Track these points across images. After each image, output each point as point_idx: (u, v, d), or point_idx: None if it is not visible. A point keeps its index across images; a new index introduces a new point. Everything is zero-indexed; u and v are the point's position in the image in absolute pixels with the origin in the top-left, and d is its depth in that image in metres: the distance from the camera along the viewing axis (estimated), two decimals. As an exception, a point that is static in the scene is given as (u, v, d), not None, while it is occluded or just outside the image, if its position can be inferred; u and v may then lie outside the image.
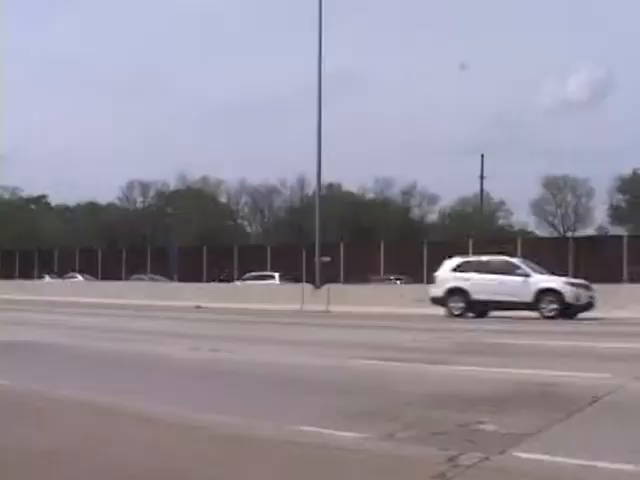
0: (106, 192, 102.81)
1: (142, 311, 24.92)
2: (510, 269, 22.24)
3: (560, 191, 74.92)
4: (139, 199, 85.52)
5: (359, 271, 38.12)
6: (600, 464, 4.00)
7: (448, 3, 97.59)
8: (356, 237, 63.99)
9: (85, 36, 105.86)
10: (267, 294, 29.88)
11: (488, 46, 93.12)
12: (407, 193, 78.86)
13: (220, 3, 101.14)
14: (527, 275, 21.78)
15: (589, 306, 21.10)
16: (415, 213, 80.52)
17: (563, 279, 22.22)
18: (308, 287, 28.72)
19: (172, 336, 13.99)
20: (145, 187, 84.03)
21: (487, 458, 4.12)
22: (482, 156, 56.66)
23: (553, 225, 75.08)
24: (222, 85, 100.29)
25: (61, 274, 46.77)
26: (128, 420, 5.33)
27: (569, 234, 66.96)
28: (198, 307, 27.61)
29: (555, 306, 20.83)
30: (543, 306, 20.99)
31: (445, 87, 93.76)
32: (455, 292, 22.54)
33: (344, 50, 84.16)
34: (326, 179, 57.30)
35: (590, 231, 69.10)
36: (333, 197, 70.54)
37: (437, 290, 23.04)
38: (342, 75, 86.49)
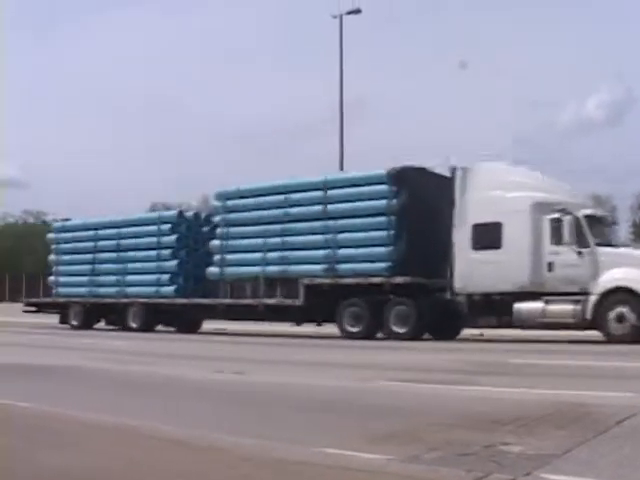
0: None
1: (161, 334, 25.00)
2: None
3: (583, 209, 74.42)
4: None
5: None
6: (628, 485, 3.96)
7: (459, 19, 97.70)
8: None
9: (102, 60, 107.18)
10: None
11: (507, 66, 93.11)
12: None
13: (242, 29, 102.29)
14: None
15: None
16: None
17: None
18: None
19: (194, 359, 14.04)
20: (168, 210, 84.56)
21: (513, 479, 4.09)
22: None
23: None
24: (244, 110, 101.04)
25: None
26: (155, 443, 5.35)
27: (593, 252, 66.28)
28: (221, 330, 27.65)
29: None
30: None
31: (463, 107, 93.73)
32: None
33: (357, 74, 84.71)
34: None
35: (614, 249, 68.36)
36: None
37: None
38: (357, 98, 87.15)
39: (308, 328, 22.17)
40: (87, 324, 26.86)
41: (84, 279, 27.54)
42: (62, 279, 28.83)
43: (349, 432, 5.69)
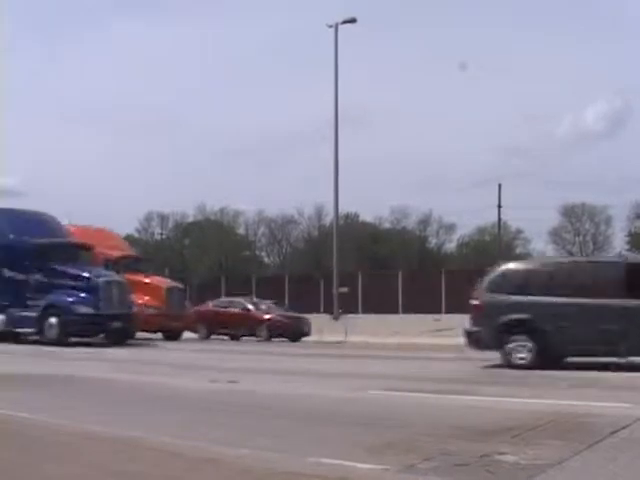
0: (125, 223, 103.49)
1: (158, 342, 24.95)
2: None
3: (578, 219, 74.63)
4: (157, 230, 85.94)
5: (377, 301, 37.91)
6: (622, 495, 3.99)
7: (457, 30, 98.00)
8: (374, 267, 63.90)
9: (101, 73, 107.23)
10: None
11: (504, 76, 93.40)
12: (423, 222, 78.86)
13: (238, 43, 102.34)
14: None
15: None
16: (432, 243, 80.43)
17: None
18: (326, 318, 28.71)
19: (192, 368, 14.01)
20: (164, 218, 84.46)
21: (508, 489, 4.11)
22: (499, 185, 56.49)
23: (571, 253, 74.70)
24: (241, 119, 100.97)
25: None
26: (153, 454, 5.35)
27: (588, 262, 66.44)
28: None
29: None
30: None
31: (461, 118, 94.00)
32: None
33: (356, 84, 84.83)
34: (343, 209, 57.56)
35: (609, 259, 68.55)
36: (350, 227, 70.66)
37: None
38: (355, 108, 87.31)
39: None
40: None
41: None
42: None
43: (345, 442, 5.70)
